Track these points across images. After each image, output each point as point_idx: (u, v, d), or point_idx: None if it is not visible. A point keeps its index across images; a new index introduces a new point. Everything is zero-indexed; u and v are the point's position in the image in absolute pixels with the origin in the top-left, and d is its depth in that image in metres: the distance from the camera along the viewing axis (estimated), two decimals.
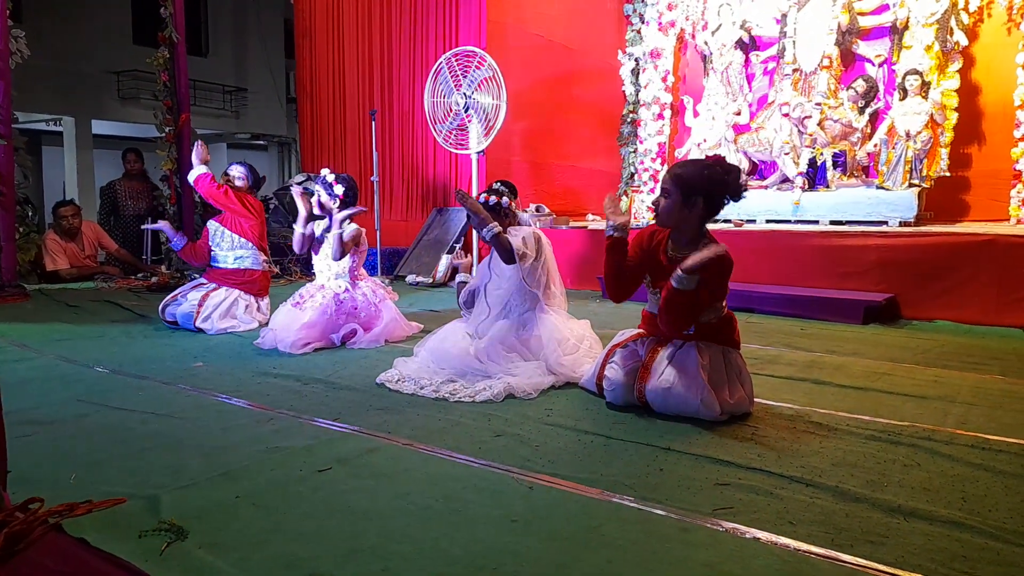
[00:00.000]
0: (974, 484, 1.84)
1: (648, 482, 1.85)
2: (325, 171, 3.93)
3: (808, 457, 2.02)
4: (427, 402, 2.62)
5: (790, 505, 1.71)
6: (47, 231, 6.57)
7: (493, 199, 3.18)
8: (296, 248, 3.85)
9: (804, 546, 1.50)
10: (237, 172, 4.31)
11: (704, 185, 2.41)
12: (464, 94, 6.02)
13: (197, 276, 4.36)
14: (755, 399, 2.51)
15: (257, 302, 4.25)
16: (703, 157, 2.53)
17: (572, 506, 1.72)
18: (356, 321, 3.69)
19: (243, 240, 4.20)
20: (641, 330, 2.67)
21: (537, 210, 6.65)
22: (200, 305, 4.04)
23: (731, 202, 2.46)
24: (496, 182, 3.32)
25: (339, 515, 1.65)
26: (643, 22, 7.58)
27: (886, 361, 3.28)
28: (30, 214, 8.39)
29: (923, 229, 5.07)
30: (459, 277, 3.51)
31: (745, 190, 2.46)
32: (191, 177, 4.25)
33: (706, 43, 6.99)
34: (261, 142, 20.09)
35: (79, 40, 14.57)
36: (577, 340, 3.06)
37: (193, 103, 9.82)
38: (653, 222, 2.62)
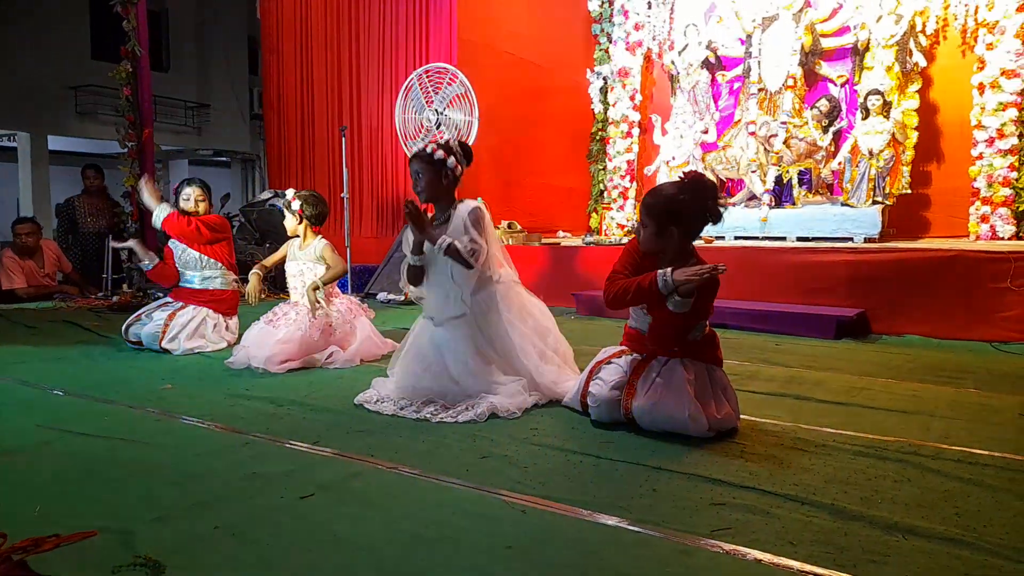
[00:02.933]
0: (966, 499, 1.84)
1: (642, 503, 1.81)
2: (290, 192, 3.85)
3: (800, 474, 2.01)
4: (408, 423, 2.55)
5: (788, 524, 1.68)
6: (3, 249, 6.34)
7: (440, 153, 2.81)
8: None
9: (808, 567, 1.47)
10: (193, 193, 4.08)
11: (675, 214, 2.39)
12: (436, 110, 5.99)
13: (161, 295, 4.20)
14: (740, 415, 2.50)
15: (226, 321, 4.12)
16: (680, 176, 2.48)
17: (567, 531, 1.67)
18: (332, 338, 3.60)
19: (211, 260, 4.07)
20: (624, 347, 2.65)
21: (509, 226, 6.62)
22: (166, 325, 3.90)
23: (711, 224, 2.44)
24: (454, 140, 2.97)
25: (326, 545, 1.58)
26: (611, 42, 7.67)
27: (863, 376, 3.31)
28: None
29: (890, 245, 5.17)
30: (406, 259, 2.96)
31: (723, 210, 2.43)
32: (157, 222, 4.00)
33: (673, 63, 7.09)
34: (224, 158, 19.78)
35: (36, 55, 14.21)
36: (544, 324, 3.02)
37: (156, 119, 9.63)
38: (631, 238, 2.60)
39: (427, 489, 1.92)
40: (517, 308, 2.99)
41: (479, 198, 6.19)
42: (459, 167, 2.87)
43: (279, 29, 8.09)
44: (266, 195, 7.33)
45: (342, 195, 6.35)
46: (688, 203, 2.38)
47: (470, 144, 5.92)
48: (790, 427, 2.47)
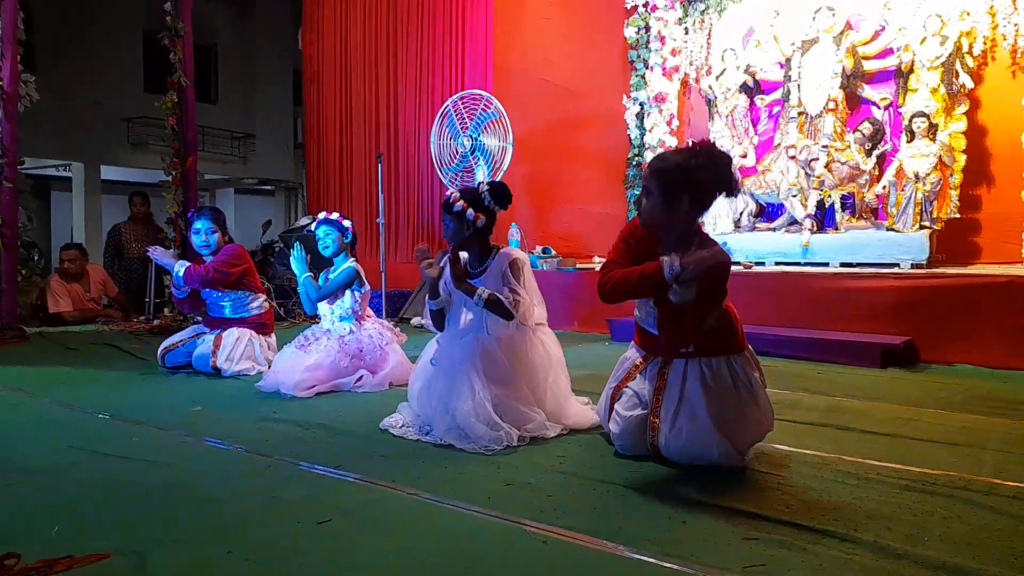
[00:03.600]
0: (1021, 539, 1.71)
1: (671, 537, 1.73)
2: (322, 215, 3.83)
3: (840, 509, 1.90)
4: (432, 448, 2.50)
5: (826, 563, 1.58)
6: (52, 274, 6.53)
7: (460, 204, 2.69)
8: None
9: None
10: (203, 227, 3.99)
11: (688, 180, 2.12)
12: (470, 136, 6.02)
13: (200, 319, 4.23)
14: (778, 445, 2.39)
15: (267, 341, 4.13)
16: (688, 144, 2.21)
17: (591, 564, 1.60)
18: (362, 364, 3.59)
19: (238, 292, 4.08)
20: (637, 357, 2.48)
21: (543, 252, 6.59)
22: (215, 345, 3.92)
23: (725, 197, 2.19)
24: (485, 185, 2.82)
25: (341, 572, 1.53)
26: (647, 67, 7.65)
27: (910, 406, 3.15)
28: (35, 257, 8.39)
29: (938, 271, 4.98)
30: (428, 304, 2.92)
31: (740, 185, 2.21)
32: (180, 278, 3.92)
33: (710, 87, 7.03)
34: (268, 187, 20.26)
35: (92, 88, 14.81)
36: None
37: (201, 149, 9.92)
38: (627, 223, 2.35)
39: (447, 516, 1.87)
40: (548, 346, 2.89)
41: (512, 223, 6.20)
42: (480, 219, 2.71)
43: (319, 59, 8.28)
44: (304, 221, 7.44)
45: (378, 220, 6.40)
46: (702, 168, 2.12)
47: (504, 167, 5.96)
48: (831, 458, 2.35)
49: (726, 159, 2.18)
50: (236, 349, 3.92)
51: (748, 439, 2.25)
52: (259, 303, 4.14)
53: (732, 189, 2.17)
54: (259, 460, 2.34)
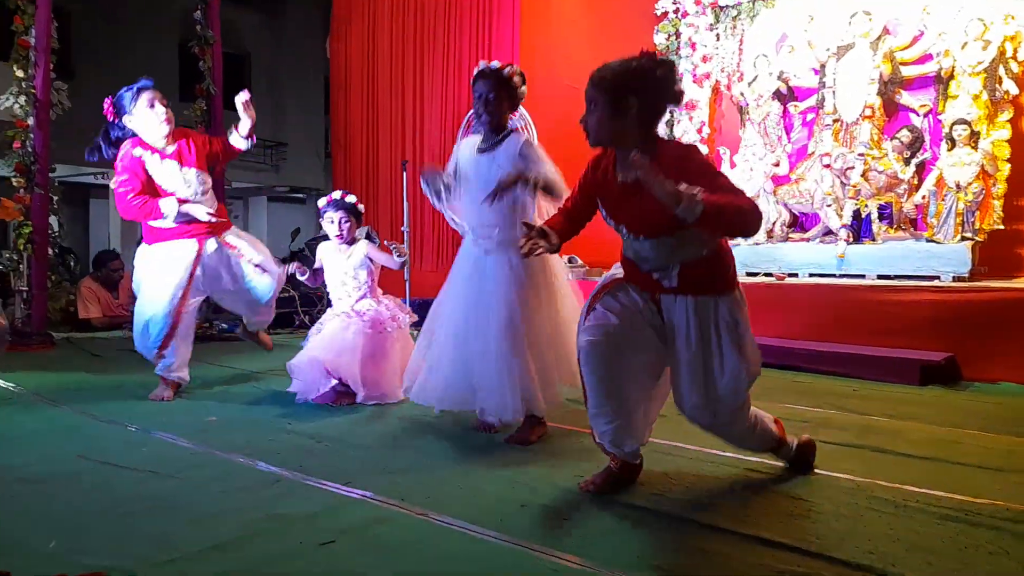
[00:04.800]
0: None
1: (689, 565, 1.62)
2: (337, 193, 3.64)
3: (876, 540, 1.77)
4: (446, 462, 2.41)
5: None
6: (83, 279, 6.59)
7: (508, 70, 2.79)
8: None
9: None
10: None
11: (634, 82, 1.95)
12: None
13: (238, 326, 4.08)
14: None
15: None
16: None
17: None
18: (382, 333, 3.44)
19: None
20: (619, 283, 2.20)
21: (570, 261, 6.49)
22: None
23: (672, 107, 2.03)
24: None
25: None
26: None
27: (950, 427, 2.99)
28: (72, 263, 8.53)
29: (980, 284, 4.77)
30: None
31: (681, 93, 2.00)
32: None
33: (742, 94, 6.87)
34: (299, 195, 20.46)
35: None
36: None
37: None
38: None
39: (455, 539, 1.78)
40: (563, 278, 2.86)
41: None
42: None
43: (347, 68, 8.30)
44: None
45: (403, 228, 6.37)
46: (644, 68, 1.96)
47: None
48: (865, 483, 2.21)
49: (668, 64, 2.02)
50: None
51: (722, 398, 2.06)
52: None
53: (677, 98, 2.00)
54: (267, 474, 2.27)
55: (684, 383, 2.08)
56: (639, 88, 1.96)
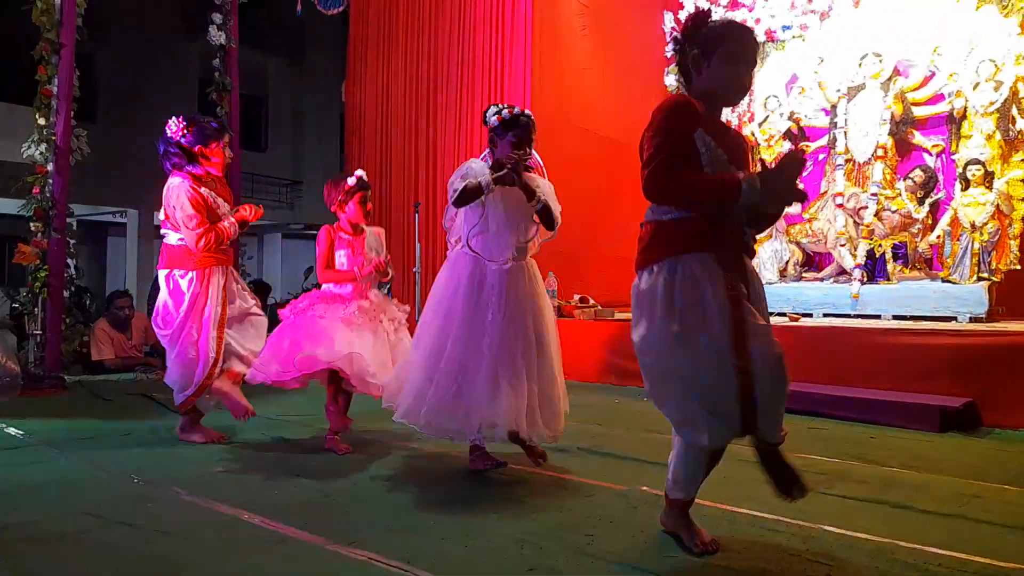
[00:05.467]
0: None
1: None
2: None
3: None
4: (455, 520, 2.37)
5: None
6: (99, 320, 6.64)
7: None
8: None
9: None
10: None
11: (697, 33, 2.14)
12: None
13: None
14: (826, 526, 2.20)
15: None
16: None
17: None
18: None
19: None
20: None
21: (580, 301, 6.46)
22: None
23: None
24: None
25: None
26: None
27: (974, 480, 2.90)
28: (87, 303, 8.59)
29: (999, 327, 4.70)
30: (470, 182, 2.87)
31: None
32: None
33: (753, 134, 6.89)
34: (314, 232, 20.62)
35: (148, 138, 15.29)
36: None
37: (250, 195, 10.15)
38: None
39: None
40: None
41: (549, 272, 6.11)
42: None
43: (362, 110, 8.42)
44: None
45: (414, 270, 6.39)
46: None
47: None
48: (887, 544, 2.14)
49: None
50: None
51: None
52: None
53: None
54: (272, 533, 2.23)
55: None
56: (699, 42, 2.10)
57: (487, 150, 3.01)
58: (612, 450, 3.36)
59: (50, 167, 5.58)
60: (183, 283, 3.50)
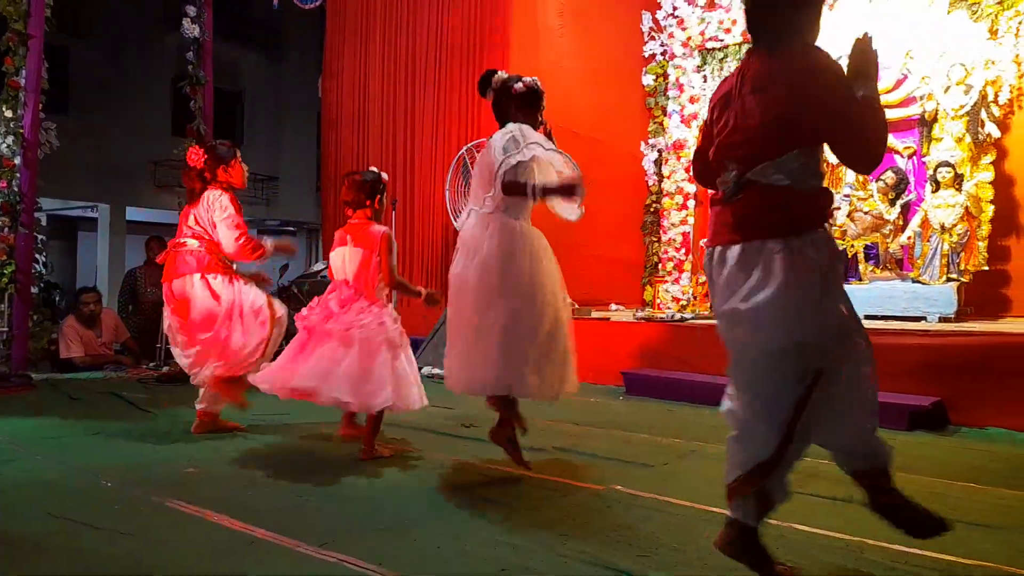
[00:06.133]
0: None
1: None
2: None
3: None
4: (429, 520, 2.36)
5: None
6: (67, 317, 6.51)
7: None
8: None
9: None
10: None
11: None
12: None
13: None
14: (797, 525, 2.22)
15: None
16: None
17: None
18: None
19: None
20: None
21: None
22: None
23: None
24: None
25: None
26: (666, 114, 7.60)
27: (940, 478, 2.95)
28: (57, 299, 8.43)
29: (968, 327, 4.78)
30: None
31: None
32: None
33: None
34: (291, 228, 20.46)
35: (121, 131, 15.13)
36: None
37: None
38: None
39: None
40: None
41: None
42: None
43: (339, 106, 8.35)
44: (319, 267, 7.41)
45: None
46: None
47: None
48: (855, 543, 2.17)
49: None
50: None
51: None
52: None
53: None
54: (242, 535, 2.21)
55: None
56: None
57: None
58: (588, 450, 3.36)
59: (17, 160, 5.46)
60: (216, 285, 3.66)
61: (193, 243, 3.70)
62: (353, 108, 8.23)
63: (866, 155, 1.88)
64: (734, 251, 1.85)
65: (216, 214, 3.67)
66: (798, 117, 1.83)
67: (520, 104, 2.90)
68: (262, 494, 2.66)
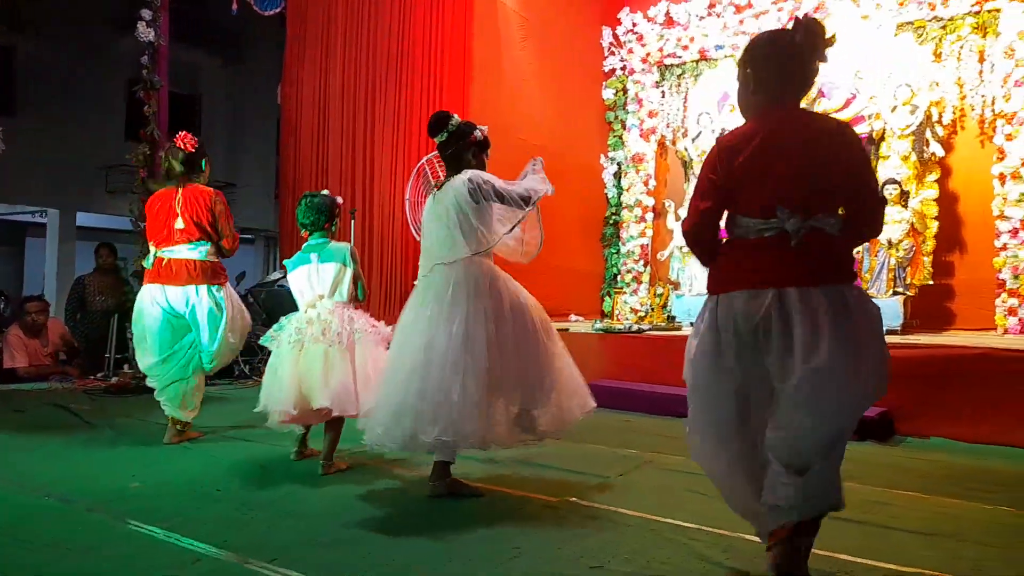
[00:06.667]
0: None
1: None
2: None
3: None
4: (380, 534, 2.34)
5: None
6: (11, 326, 6.31)
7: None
8: None
9: None
10: None
11: (749, 54, 2.04)
12: None
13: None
14: (745, 535, 2.25)
15: None
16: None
17: None
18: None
19: None
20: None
21: None
22: None
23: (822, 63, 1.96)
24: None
25: None
26: (625, 128, 7.71)
27: (884, 487, 3.03)
28: (2, 307, 8.15)
29: (913, 340, 4.92)
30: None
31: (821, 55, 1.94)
32: None
33: (686, 149, 7.07)
34: (248, 235, 20.13)
35: (72, 135, 14.74)
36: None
37: None
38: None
39: None
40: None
41: None
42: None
43: (298, 113, 8.26)
44: (276, 275, 7.31)
45: None
46: (766, 37, 2.03)
47: None
48: None
49: (818, 27, 1.92)
50: None
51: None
52: None
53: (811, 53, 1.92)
54: (187, 552, 2.16)
55: None
56: (751, 62, 2.01)
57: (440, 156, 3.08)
58: (545, 462, 3.37)
59: None
60: (220, 297, 3.71)
61: (198, 251, 3.67)
62: (313, 115, 8.15)
63: (879, 224, 2.06)
64: (813, 294, 1.89)
65: (221, 218, 3.75)
66: (844, 180, 1.91)
67: (478, 151, 3.03)
68: (207, 509, 2.60)
